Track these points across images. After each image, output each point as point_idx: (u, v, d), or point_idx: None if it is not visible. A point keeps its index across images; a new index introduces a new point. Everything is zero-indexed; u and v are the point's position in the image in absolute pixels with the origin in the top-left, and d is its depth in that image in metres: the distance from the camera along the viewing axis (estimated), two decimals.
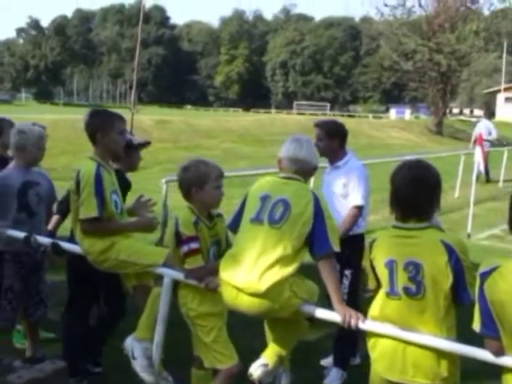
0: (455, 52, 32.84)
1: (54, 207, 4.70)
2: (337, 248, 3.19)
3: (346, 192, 4.53)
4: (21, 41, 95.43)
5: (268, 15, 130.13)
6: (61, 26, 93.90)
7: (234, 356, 3.51)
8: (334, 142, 4.61)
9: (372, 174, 4.88)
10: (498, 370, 2.65)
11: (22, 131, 4.33)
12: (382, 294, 2.95)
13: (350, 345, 4.65)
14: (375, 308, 2.98)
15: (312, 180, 4.38)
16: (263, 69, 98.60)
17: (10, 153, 5.21)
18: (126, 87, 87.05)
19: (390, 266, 2.87)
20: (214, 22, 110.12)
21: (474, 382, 4.06)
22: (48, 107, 51.18)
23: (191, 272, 3.48)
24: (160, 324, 3.62)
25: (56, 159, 15.93)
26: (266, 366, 3.38)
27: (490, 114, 17.69)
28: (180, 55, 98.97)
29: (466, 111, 71.02)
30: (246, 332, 4.22)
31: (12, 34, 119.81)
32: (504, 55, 42.93)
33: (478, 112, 68.60)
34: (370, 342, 3.02)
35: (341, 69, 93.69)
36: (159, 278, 3.68)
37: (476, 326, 2.64)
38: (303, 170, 3.41)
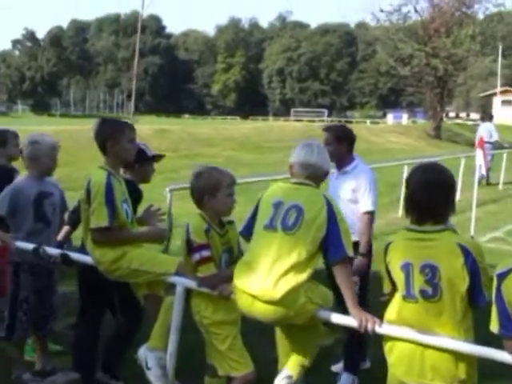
0: (451, 56, 32.96)
1: (65, 217, 4.69)
2: (351, 252, 3.20)
3: (354, 197, 4.53)
4: (16, 52, 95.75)
5: (264, 23, 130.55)
6: (56, 37, 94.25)
7: (249, 363, 3.50)
8: (342, 146, 4.62)
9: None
10: None
11: (35, 142, 4.36)
12: (398, 297, 2.94)
13: (359, 349, 4.65)
14: (392, 311, 2.97)
15: None
16: (260, 76, 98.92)
17: (14, 164, 5.25)
18: (123, 97, 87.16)
19: (406, 268, 2.86)
20: (210, 31, 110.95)
21: None
22: (45, 119, 51.14)
23: (204, 280, 3.47)
24: (173, 333, 3.61)
25: (55, 170, 15.89)
26: (290, 377, 3.38)
27: (491, 116, 17.65)
28: (176, 64, 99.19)
29: (463, 115, 71.14)
30: (260, 339, 4.21)
31: (8, 46, 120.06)
32: (499, 59, 43.12)
33: (474, 115, 68.80)
34: (387, 346, 3.01)
35: (337, 75, 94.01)
36: (171, 287, 3.67)
37: (494, 327, 2.64)
38: (315, 175, 3.41)
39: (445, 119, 42.45)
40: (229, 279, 3.40)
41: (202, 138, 25.00)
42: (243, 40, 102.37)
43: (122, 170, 4.02)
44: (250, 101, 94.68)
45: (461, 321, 2.83)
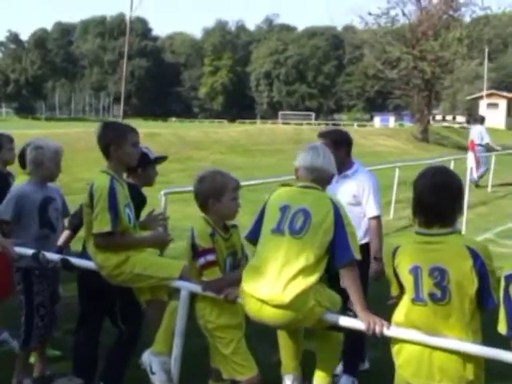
0: (439, 59, 33.19)
1: (65, 222, 4.66)
2: (358, 255, 3.21)
3: (356, 201, 4.51)
4: (0, 55, 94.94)
5: (251, 26, 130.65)
6: (41, 40, 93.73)
7: (253, 367, 3.50)
8: (340, 151, 4.57)
9: None
10: None
11: (38, 147, 4.33)
12: (406, 300, 2.95)
13: (358, 351, 4.66)
14: (400, 314, 2.99)
15: None
16: (247, 79, 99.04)
17: (9, 168, 5.21)
18: (110, 100, 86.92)
19: (415, 272, 2.88)
20: (197, 34, 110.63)
21: None
22: (30, 122, 50.86)
23: (209, 284, 3.46)
24: (178, 337, 3.60)
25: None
26: None
27: (482, 119, 17.76)
28: (163, 67, 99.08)
29: (449, 118, 71.65)
30: (261, 342, 4.21)
31: None
32: (486, 61, 43.48)
33: (460, 118, 69.34)
34: (395, 348, 3.02)
35: (324, 78, 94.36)
36: (175, 292, 3.65)
37: (502, 328, 2.67)
38: (321, 179, 3.43)
39: (431, 122, 42.69)
40: (234, 283, 3.40)
41: (192, 142, 24.95)
42: (230, 43, 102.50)
43: (125, 175, 3.99)
44: (238, 104, 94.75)
45: (469, 323, 2.85)
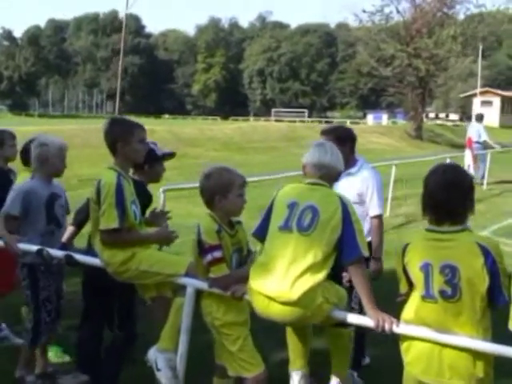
0: (433, 57, 33.27)
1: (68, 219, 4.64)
2: (366, 253, 3.21)
3: (360, 200, 4.48)
4: None
5: (244, 23, 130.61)
6: (34, 36, 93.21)
7: (260, 363, 3.50)
8: (345, 147, 4.47)
9: None
10: None
11: (43, 144, 4.32)
12: (416, 297, 2.95)
13: (360, 346, 4.66)
14: (409, 311, 2.99)
15: None
16: (240, 76, 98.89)
17: (10, 165, 5.18)
18: (103, 97, 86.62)
19: (426, 269, 2.87)
20: (190, 31, 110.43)
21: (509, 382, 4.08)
22: (23, 119, 50.50)
23: (216, 281, 3.45)
24: (184, 334, 3.58)
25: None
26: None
27: (481, 117, 17.76)
28: (156, 64, 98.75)
29: (442, 115, 71.82)
30: (268, 338, 4.22)
31: None
32: (479, 59, 43.59)
33: (453, 116, 69.56)
34: (404, 346, 3.02)
35: (318, 75, 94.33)
36: (181, 288, 3.64)
37: None
38: (328, 175, 3.42)
39: (425, 120, 42.81)
40: (241, 280, 3.40)
41: (187, 139, 24.92)
42: (223, 40, 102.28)
43: (130, 171, 3.97)
44: (231, 101, 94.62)
45: (480, 320, 2.85)
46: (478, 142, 15.97)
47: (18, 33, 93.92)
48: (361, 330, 3.84)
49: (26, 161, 4.73)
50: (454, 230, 2.88)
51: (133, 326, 4.16)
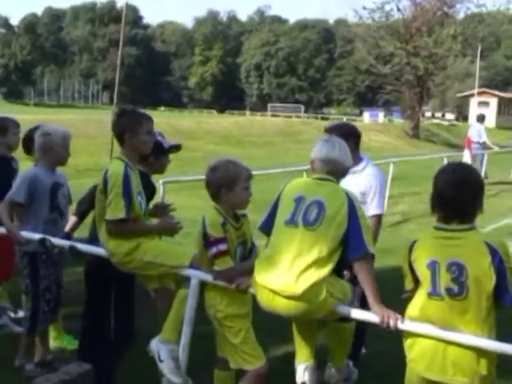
0: (432, 56, 33.28)
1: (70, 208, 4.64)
2: (372, 249, 3.21)
3: (363, 200, 4.44)
4: None
5: (242, 16, 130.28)
6: (31, 25, 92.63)
7: (261, 356, 3.51)
8: (350, 144, 4.45)
9: None
10: None
11: (46, 133, 4.31)
12: (422, 294, 2.96)
13: (359, 341, 4.67)
14: (414, 308, 3.00)
15: None
16: (238, 70, 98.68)
17: (13, 154, 5.17)
18: (99, 87, 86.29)
19: (433, 266, 2.89)
20: (188, 23, 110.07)
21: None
22: (18, 107, 50.29)
23: (221, 273, 3.46)
24: (187, 326, 3.59)
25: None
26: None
27: (483, 117, 17.80)
28: (153, 56, 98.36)
29: (438, 115, 71.96)
30: (271, 331, 4.23)
31: None
32: (478, 59, 43.61)
33: (449, 116, 69.70)
34: (407, 342, 3.04)
35: (315, 71, 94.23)
36: (185, 280, 3.64)
37: None
38: (336, 171, 3.43)
39: (421, 119, 42.87)
40: (245, 272, 3.41)
41: (185, 131, 24.90)
42: (221, 33, 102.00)
43: None
44: (227, 95, 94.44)
45: (485, 319, 2.86)
46: (477, 143, 16.01)
47: (14, 20, 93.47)
48: (362, 326, 3.84)
49: (28, 149, 4.71)
50: (462, 229, 2.90)
51: (132, 317, 4.16)
